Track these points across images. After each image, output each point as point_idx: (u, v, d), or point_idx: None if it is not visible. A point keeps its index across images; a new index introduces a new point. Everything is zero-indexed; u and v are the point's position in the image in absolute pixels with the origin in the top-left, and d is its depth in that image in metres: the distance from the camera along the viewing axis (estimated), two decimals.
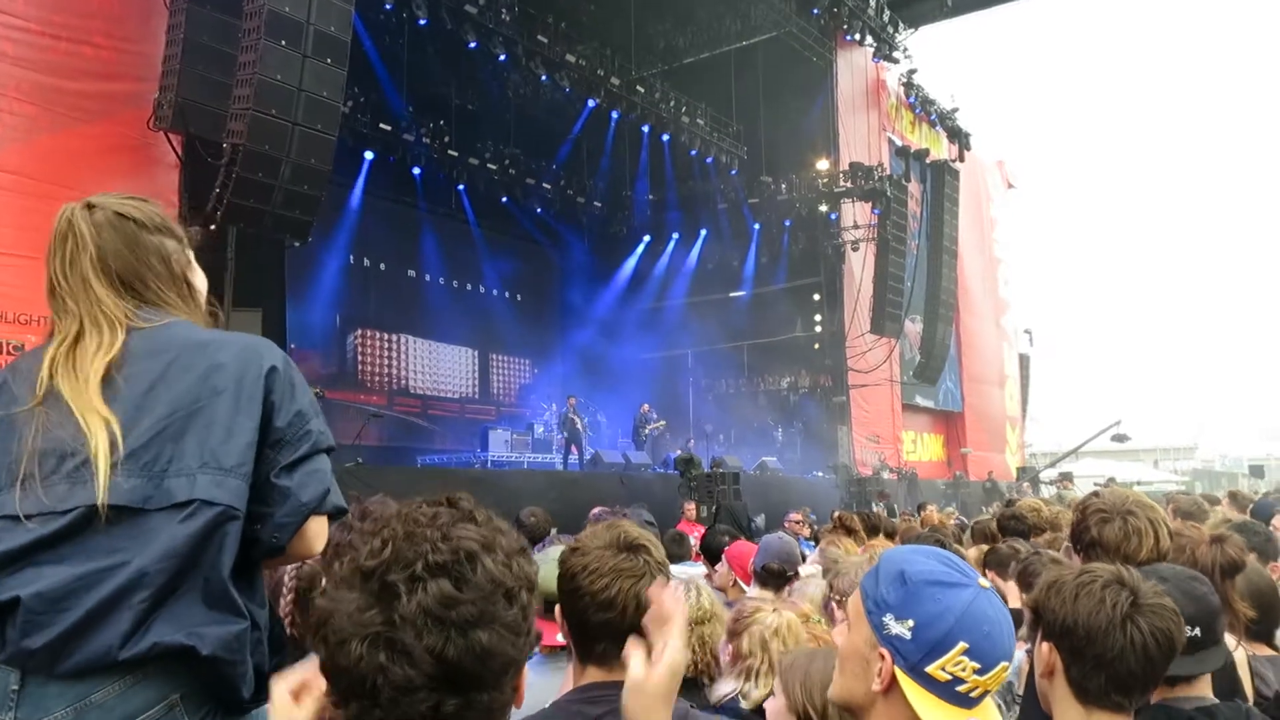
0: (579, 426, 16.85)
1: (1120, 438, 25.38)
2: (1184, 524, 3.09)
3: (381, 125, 16.41)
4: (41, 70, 9.50)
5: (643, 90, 18.28)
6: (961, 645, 1.39)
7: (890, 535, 5.80)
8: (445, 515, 1.05)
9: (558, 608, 1.75)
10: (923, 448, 24.01)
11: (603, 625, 1.65)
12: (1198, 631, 1.97)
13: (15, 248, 9.17)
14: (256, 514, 1.54)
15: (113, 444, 1.47)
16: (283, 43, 9.31)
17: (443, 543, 1.01)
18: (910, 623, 1.43)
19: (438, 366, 20.33)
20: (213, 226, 9.48)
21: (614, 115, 18.31)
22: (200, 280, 1.79)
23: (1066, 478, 20.58)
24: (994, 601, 1.45)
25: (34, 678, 1.40)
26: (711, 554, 5.09)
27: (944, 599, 1.43)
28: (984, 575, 3.78)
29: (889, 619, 1.44)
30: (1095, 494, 2.64)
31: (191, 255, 1.79)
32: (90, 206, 1.69)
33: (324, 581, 1.10)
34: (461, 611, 0.98)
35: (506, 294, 21.32)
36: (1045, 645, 1.75)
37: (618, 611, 1.65)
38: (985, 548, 4.57)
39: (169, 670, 1.43)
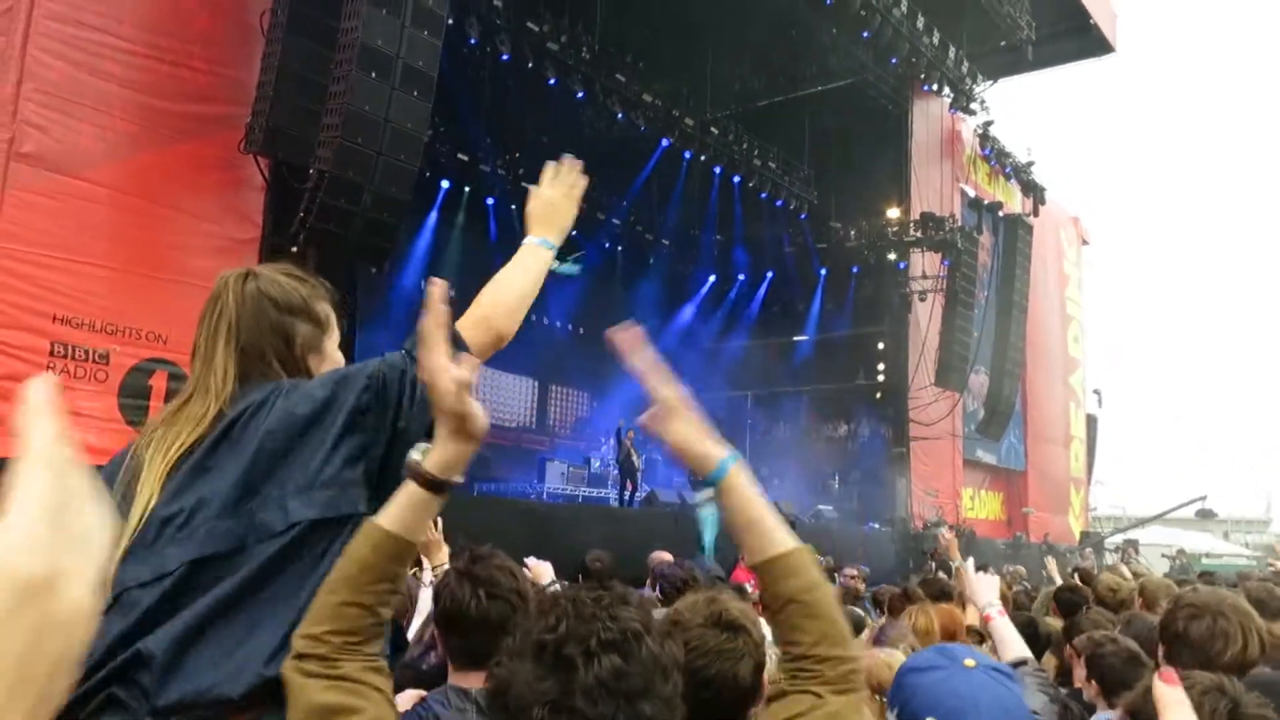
0: (635, 462, 16.83)
1: (1206, 514, 24.40)
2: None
3: (459, 155, 16.75)
4: (143, 91, 9.87)
5: (716, 131, 18.42)
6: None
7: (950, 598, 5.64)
8: (608, 598, 1.16)
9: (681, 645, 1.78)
10: (980, 505, 23.52)
11: (698, 704, 1.64)
12: None
13: (108, 260, 9.51)
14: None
15: (140, 523, 1.56)
16: (373, 75, 9.58)
17: (611, 622, 1.11)
18: (896, 711, 1.53)
19: (498, 394, 20.53)
20: (294, 249, 9.73)
21: (686, 155, 18.47)
22: (322, 364, 1.83)
23: (1131, 545, 19.99)
24: (973, 679, 1.49)
25: None
26: None
27: (913, 681, 1.52)
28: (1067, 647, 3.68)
29: (888, 713, 1.56)
30: (1194, 588, 2.58)
31: (327, 340, 1.85)
32: (247, 276, 1.79)
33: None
34: (630, 684, 1.09)
35: (570, 326, 21.48)
36: None
37: (713, 692, 1.64)
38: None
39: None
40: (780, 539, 1.35)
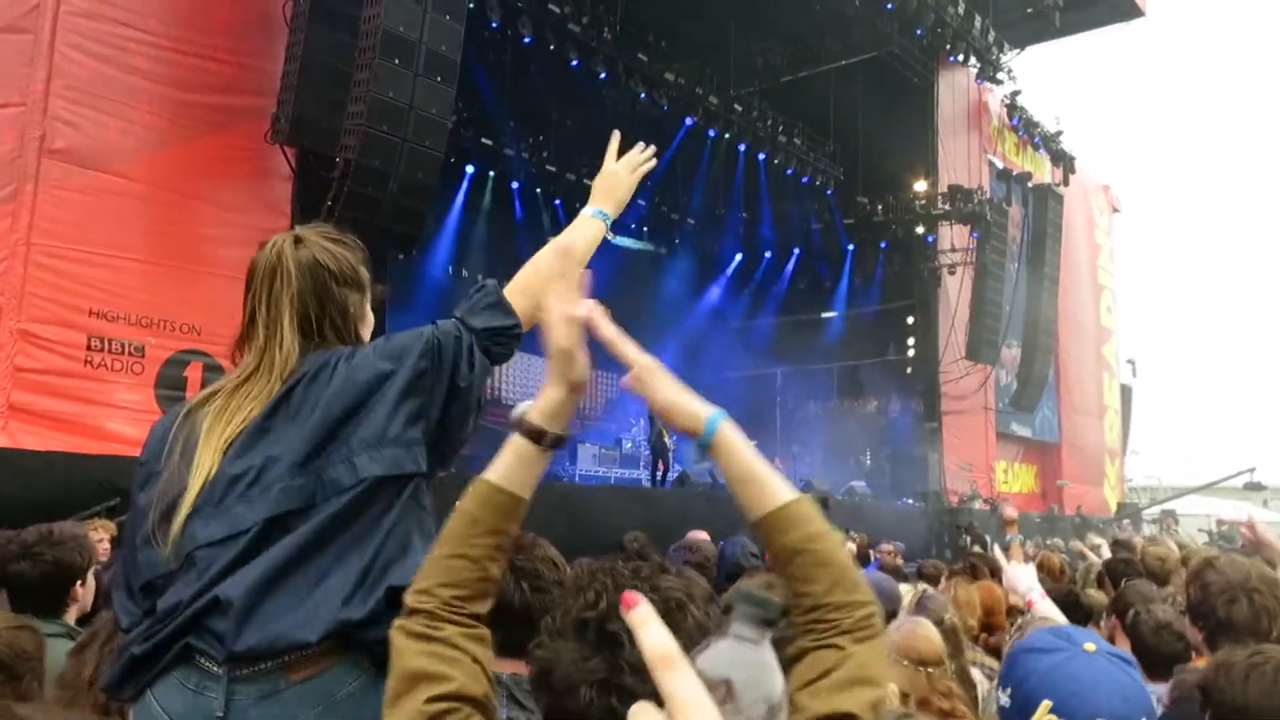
0: (666, 442, 16.84)
1: (1254, 486, 23.97)
2: None
3: (483, 140, 16.75)
4: (169, 84, 9.95)
5: (740, 109, 18.29)
6: (1045, 703, 1.42)
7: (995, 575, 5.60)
8: (645, 568, 1.13)
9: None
10: (1014, 478, 23.34)
11: None
12: None
13: (141, 253, 9.63)
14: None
15: (204, 486, 1.59)
16: (396, 61, 9.59)
17: (653, 594, 1.07)
18: (1009, 690, 1.50)
19: (529, 378, 20.56)
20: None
21: (710, 133, 18.36)
22: (367, 330, 1.90)
23: (1170, 516, 19.78)
24: (1094, 664, 1.46)
25: (238, 701, 1.47)
26: None
27: (1032, 663, 1.48)
28: (1107, 620, 3.65)
29: (999, 692, 1.53)
30: (1210, 565, 2.53)
31: (366, 303, 1.90)
32: (298, 241, 1.79)
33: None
34: None
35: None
36: None
37: None
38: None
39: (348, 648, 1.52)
40: (779, 490, 1.31)
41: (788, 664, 1.21)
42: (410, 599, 1.25)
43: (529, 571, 2.07)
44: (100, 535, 5.35)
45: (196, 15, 10.22)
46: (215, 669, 1.48)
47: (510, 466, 1.30)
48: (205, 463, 1.61)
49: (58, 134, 9.09)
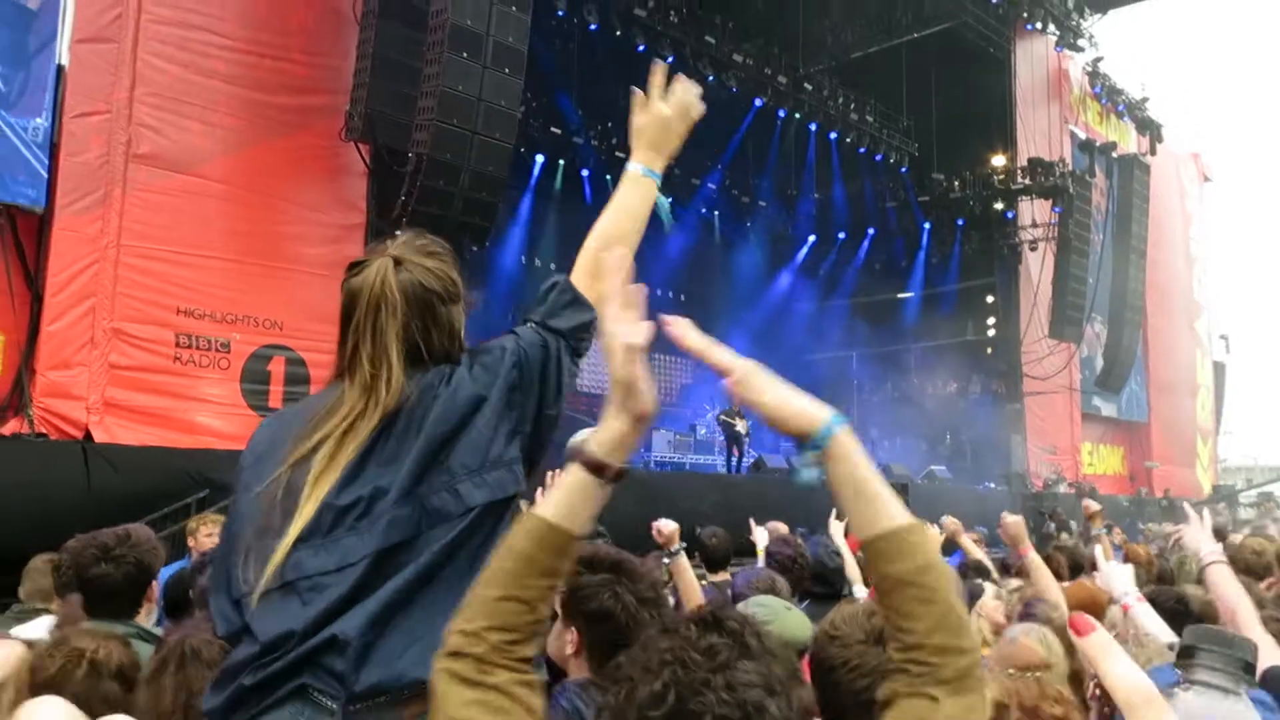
0: (739, 428, 16.73)
1: None
2: None
3: (552, 129, 16.80)
4: (248, 86, 10.18)
5: (810, 87, 18.02)
6: None
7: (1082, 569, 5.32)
8: (723, 651, 1.00)
9: (812, 688, 1.60)
10: (1100, 460, 22.63)
11: None
12: None
13: (224, 252, 9.90)
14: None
15: (311, 517, 1.53)
16: (464, 55, 9.67)
17: (727, 693, 0.96)
18: None
19: (601, 365, 20.54)
20: (398, 232, 9.96)
21: (780, 114, 18.13)
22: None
23: (1269, 499, 18.99)
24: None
25: None
26: None
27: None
28: None
29: None
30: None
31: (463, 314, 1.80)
32: (398, 264, 1.68)
33: None
34: None
35: (670, 294, 21.42)
36: None
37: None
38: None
39: None
40: (894, 512, 1.18)
41: (878, 707, 1.12)
42: (455, 641, 1.14)
43: (651, 600, 1.98)
44: (210, 530, 5.18)
45: (272, 18, 10.44)
46: (330, 704, 1.45)
47: (568, 502, 1.20)
48: (312, 504, 1.55)
49: (142, 139, 9.38)
